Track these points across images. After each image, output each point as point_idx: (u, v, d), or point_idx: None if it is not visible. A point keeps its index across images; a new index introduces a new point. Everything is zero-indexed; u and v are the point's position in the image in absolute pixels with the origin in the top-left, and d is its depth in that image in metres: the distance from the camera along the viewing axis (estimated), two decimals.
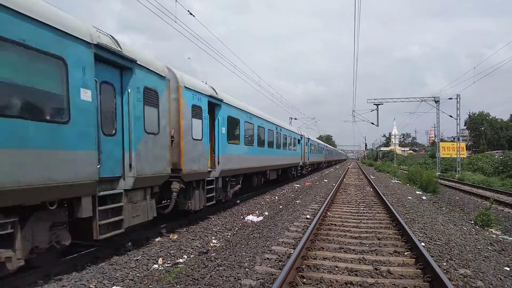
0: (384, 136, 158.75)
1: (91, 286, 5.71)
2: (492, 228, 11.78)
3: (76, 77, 5.82)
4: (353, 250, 7.57)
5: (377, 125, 44.43)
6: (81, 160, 5.90)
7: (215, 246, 8.39)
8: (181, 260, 7.17)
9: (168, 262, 7.07)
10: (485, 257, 7.38)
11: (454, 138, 62.87)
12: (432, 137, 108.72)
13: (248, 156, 15.21)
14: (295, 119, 58.61)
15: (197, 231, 9.66)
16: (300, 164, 28.85)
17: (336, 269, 6.34)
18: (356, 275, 6.08)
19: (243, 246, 7.91)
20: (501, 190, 25.55)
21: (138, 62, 7.50)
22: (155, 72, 8.22)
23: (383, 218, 11.23)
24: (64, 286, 5.64)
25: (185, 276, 5.99)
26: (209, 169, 11.18)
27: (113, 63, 6.97)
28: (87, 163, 6.03)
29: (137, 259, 7.05)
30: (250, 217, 11.65)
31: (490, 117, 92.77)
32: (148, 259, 7.11)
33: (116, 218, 6.87)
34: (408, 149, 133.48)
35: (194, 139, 10.12)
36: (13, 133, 4.80)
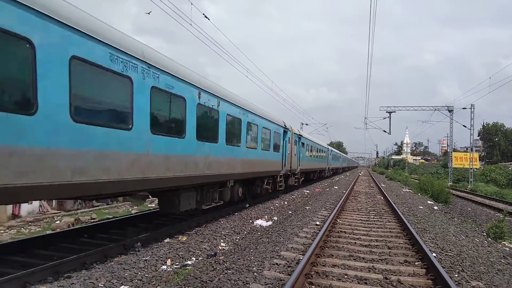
0: (396, 144, 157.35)
1: (100, 284, 5.73)
2: (505, 241, 11.56)
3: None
4: (363, 258, 7.48)
5: (389, 133, 44.07)
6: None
7: (223, 249, 8.37)
8: (189, 262, 7.16)
9: (177, 263, 7.07)
10: (498, 270, 7.23)
11: (467, 148, 62.02)
12: (445, 146, 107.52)
13: (310, 162, 28.91)
14: (307, 124, 58.49)
15: (206, 234, 9.65)
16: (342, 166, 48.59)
17: (346, 276, 6.28)
18: (366, 283, 6.01)
19: (251, 250, 7.88)
20: None
21: (290, 129, 19.69)
22: (289, 129, 19.72)
23: (393, 227, 11.10)
24: (73, 283, 5.66)
25: (194, 278, 5.98)
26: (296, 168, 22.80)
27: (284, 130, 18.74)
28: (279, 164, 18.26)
29: (146, 260, 7.06)
30: (259, 222, 11.60)
31: (505, 128, 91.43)
32: (156, 260, 7.11)
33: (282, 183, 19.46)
34: (420, 158, 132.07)
35: (294, 155, 21.54)
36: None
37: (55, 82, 5.23)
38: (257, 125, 14.28)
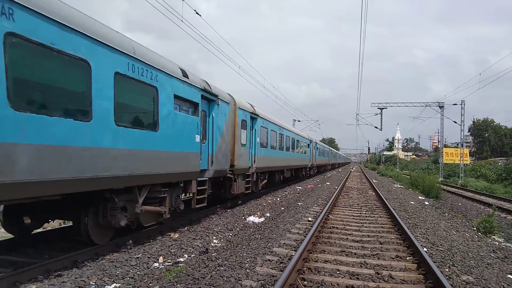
0: (387, 140, 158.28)
1: (91, 282, 5.69)
2: (494, 235, 11.70)
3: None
4: (355, 253, 7.52)
5: (381, 129, 44.37)
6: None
7: (216, 246, 8.36)
8: (181, 259, 7.14)
9: (169, 261, 7.05)
10: (488, 264, 7.31)
11: (457, 144, 62.67)
12: (436, 142, 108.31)
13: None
14: (299, 121, 58.57)
15: (198, 231, 9.63)
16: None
17: (338, 272, 6.31)
18: (358, 278, 6.03)
19: (244, 247, 7.88)
20: (504, 197, 25.47)
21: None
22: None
23: (385, 222, 11.17)
24: (64, 282, 5.62)
25: (186, 275, 5.96)
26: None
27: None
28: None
29: (137, 257, 7.03)
30: (252, 218, 11.61)
31: (494, 123, 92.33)
32: (148, 257, 7.08)
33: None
34: (411, 154, 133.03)
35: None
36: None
37: None
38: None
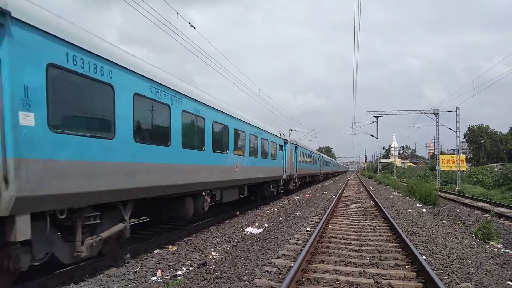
0: (383, 148, 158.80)
1: None
2: (493, 242, 11.68)
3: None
4: (354, 263, 7.50)
5: (377, 137, 44.46)
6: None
7: (214, 258, 8.31)
8: (180, 272, 7.09)
9: (167, 274, 7.00)
10: (487, 271, 7.30)
11: (453, 151, 62.85)
12: (432, 149, 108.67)
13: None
14: (295, 130, 58.65)
15: (196, 243, 9.58)
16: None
17: (337, 282, 6.28)
18: None
19: (242, 258, 7.84)
20: (502, 203, 25.44)
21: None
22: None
23: (383, 231, 11.16)
24: None
25: None
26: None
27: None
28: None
29: (135, 271, 6.98)
30: (250, 229, 11.56)
31: (490, 129, 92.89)
32: (146, 271, 7.03)
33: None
34: (407, 161, 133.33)
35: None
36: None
37: None
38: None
